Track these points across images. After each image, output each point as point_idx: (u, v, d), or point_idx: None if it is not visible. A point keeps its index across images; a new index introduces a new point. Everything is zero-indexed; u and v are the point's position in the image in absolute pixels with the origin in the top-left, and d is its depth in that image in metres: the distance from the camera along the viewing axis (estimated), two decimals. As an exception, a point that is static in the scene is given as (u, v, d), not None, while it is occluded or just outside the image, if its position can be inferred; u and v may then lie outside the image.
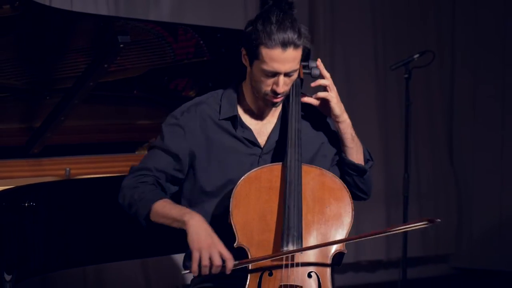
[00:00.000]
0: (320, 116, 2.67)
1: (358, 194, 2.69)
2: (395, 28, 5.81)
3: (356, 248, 5.61)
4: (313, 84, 2.61)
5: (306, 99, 2.61)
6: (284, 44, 2.44)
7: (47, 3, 4.38)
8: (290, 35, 2.44)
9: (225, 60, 3.87)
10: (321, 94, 2.60)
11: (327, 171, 2.56)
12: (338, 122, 2.61)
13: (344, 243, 2.46)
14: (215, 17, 5.01)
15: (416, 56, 4.60)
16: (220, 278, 2.57)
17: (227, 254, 2.38)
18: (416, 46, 5.51)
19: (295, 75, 2.53)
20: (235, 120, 2.60)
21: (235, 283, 2.47)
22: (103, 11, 4.66)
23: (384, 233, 2.47)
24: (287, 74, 2.49)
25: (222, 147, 2.59)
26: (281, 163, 2.52)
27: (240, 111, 2.62)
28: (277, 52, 2.44)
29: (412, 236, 5.15)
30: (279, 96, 2.52)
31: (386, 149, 5.75)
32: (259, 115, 2.63)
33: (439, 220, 2.36)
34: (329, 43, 5.55)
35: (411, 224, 2.41)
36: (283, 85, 2.49)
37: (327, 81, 2.60)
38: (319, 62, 2.62)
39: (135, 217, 2.57)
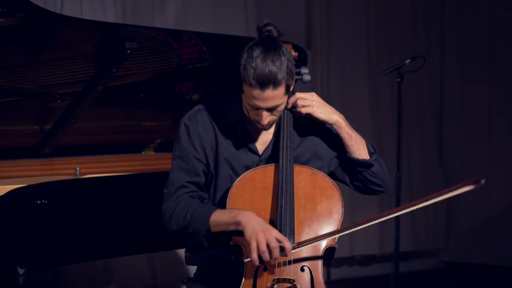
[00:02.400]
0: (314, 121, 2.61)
1: (373, 188, 2.65)
2: (388, 34, 5.81)
3: (351, 243, 5.61)
4: (288, 107, 2.54)
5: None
6: (262, 85, 2.36)
7: (58, 11, 4.38)
8: (269, 74, 2.35)
9: (227, 65, 3.87)
10: (302, 110, 2.53)
11: (318, 171, 2.55)
12: (329, 125, 2.58)
13: (335, 239, 2.46)
14: (217, 24, 5.01)
15: (407, 61, 4.59)
16: (220, 271, 2.58)
17: (281, 236, 2.36)
18: (407, 51, 5.50)
19: (281, 107, 2.46)
20: (238, 126, 2.58)
21: (233, 276, 2.48)
22: (111, 18, 4.66)
23: (422, 202, 2.45)
24: (270, 109, 2.44)
25: (225, 149, 2.58)
26: (274, 164, 2.52)
27: (243, 118, 2.59)
28: (256, 92, 2.38)
29: (404, 231, 5.14)
30: (265, 125, 2.48)
31: (379, 149, 5.68)
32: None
33: (483, 180, 2.30)
34: (325, 49, 5.55)
35: (456, 188, 2.36)
36: (266, 117, 2.45)
37: (299, 100, 2.53)
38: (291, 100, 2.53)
39: (193, 236, 2.50)
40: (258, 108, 2.42)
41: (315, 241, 2.41)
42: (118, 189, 3.46)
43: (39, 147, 3.68)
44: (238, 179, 2.48)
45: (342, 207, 2.50)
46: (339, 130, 2.57)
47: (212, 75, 3.91)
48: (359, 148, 2.60)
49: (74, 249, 3.25)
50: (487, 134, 5.95)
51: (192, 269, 2.73)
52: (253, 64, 2.36)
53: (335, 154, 2.64)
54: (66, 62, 3.56)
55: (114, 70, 3.50)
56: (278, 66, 2.37)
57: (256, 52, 2.37)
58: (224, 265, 2.58)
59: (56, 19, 3.38)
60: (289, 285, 2.39)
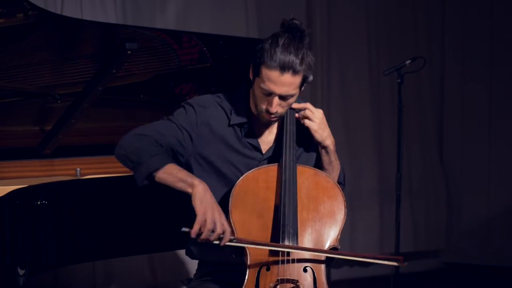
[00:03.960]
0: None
1: None
2: (388, 36, 5.81)
3: (351, 244, 5.60)
4: (296, 115, 2.56)
5: (296, 105, 2.56)
6: (283, 68, 2.40)
7: (58, 12, 4.38)
8: (291, 60, 2.40)
9: (227, 66, 3.86)
10: (302, 120, 2.55)
11: (321, 171, 2.56)
12: (320, 146, 2.58)
13: (338, 239, 2.47)
14: (217, 25, 5.01)
15: (408, 62, 4.60)
16: (221, 272, 2.57)
17: (227, 226, 2.37)
18: (408, 52, 5.50)
19: (292, 100, 2.48)
20: (244, 126, 2.58)
21: (236, 276, 2.48)
22: (111, 19, 4.65)
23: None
24: (282, 97, 2.45)
25: (228, 147, 2.58)
26: (277, 164, 2.52)
27: (248, 118, 2.59)
28: (275, 74, 2.41)
29: (404, 232, 5.14)
30: (272, 115, 2.49)
31: (379, 150, 5.74)
32: (264, 124, 2.61)
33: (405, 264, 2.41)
34: (326, 50, 5.54)
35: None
36: (277, 105, 2.46)
37: (307, 111, 2.54)
38: (298, 105, 2.54)
39: (136, 167, 2.45)
40: (271, 94, 2.44)
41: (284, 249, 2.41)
42: (119, 190, 3.46)
43: (39, 147, 3.68)
44: (241, 178, 2.48)
45: (345, 208, 2.51)
46: (324, 154, 2.59)
47: (213, 75, 3.91)
48: (331, 175, 2.61)
49: (75, 249, 3.25)
50: (487, 135, 5.96)
51: (192, 269, 2.72)
52: (278, 48, 2.40)
53: (313, 163, 2.65)
54: (66, 62, 3.55)
55: (114, 71, 3.49)
56: (301, 56, 2.41)
57: (282, 38, 2.42)
58: (225, 266, 2.58)
59: (56, 20, 3.38)
60: (292, 285, 2.40)
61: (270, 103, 2.46)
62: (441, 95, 6.15)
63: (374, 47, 5.74)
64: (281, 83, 2.42)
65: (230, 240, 2.37)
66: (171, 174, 2.42)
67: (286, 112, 2.55)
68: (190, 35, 3.79)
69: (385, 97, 5.74)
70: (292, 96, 2.47)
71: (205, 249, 2.59)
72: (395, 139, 4.70)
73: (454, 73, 6.09)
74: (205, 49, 3.79)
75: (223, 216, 2.37)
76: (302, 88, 2.51)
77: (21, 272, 2.91)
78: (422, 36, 5.96)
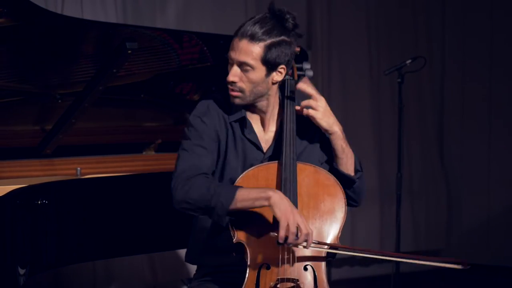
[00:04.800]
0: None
1: (348, 201, 2.62)
2: (389, 35, 5.80)
3: (351, 243, 5.59)
4: (301, 105, 2.54)
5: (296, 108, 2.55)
6: (242, 34, 2.43)
7: (59, 12, 4.38)
8: (253, 28, 2.42)
9: (228, 66, 3.86)
10: (305, 111, 2.53)
11: (321, 169, 2.54)
12: (328, 134, 2.56)
13: (338, 237, 2.46)
14: (218, 25, 5.01)
15: (408, 61, 4.59)
16: (221, 272, 2.57)
17: (310, 229, 2.36)
18: (408, 52, 5.50)
19: (253, 75, 2.46)
20: (243, 122, 2.57)
21: (235, 277, 2.47)
22: (112, 19, 4.65)
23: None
24: (240, 65, 2.45)
25: (231, 146, 2.56)
26: (277, 161, 2.51)
27: (248, 115, 2.58)
28: (235, 40, 2.45)
29: (404, 231, 5.14)
30: (231, 87, 2.48)
31: (380, 150, 5.74)
32: (263, 122, 2.60)
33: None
34: (326, 50, 5.54)
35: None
36: (233, 74, 2.46)
37: (311, 101, 2.52)
38: (300, 85, 2.53)
39: (210, 212, 2.40)
40: (232, 64, 2.45)
41: (331, 248, 2.42)
42: (119, 189, 3.46)
43: (40, 147, 3.68)
44: (241, 176, 2.47)
45: (345, 205, 2.50)
46: (335, 142, 2.56)
47: (213, 75, 3.91)
48: (347, 163, 2.59)
49: (75, 249, 3.24)
50: (487, 135, 5.95)
51: (193, 269, 2.72)
52: (248, 21, 2.45)
53: (326, 158, 2.63)
54: (67, 62, 3.55)
55: (114, 71, 3.49)
56: (266, 31, 2.42)
57: (258, 15, 2.46)
58: (225, 266, 2.58)
59: (57, 20, 3.38)
60: (292, 284, 2.39)
61: (229, 71, 2.48)
62: (441, 95, 6.15)
63: (374, 46, 5.73)
64: (237, 48, 2.44)
65: (314, 243, 2.37)
66: (245, 200, 2.38)
67: (286, 109, 2.54)
68: (190, 34, 3.79)
69: (385, 97, 5.74)
70: (249, 66, 2.45)
71: (204, 254, 2.59)
72: (395, 139, 4.69)
73: (454, 73, 6.08)
74: (205, 48, 3.79)
75: (304, 219, 2.36)
76: (272, 73, 2.48)
77: (21, 271, 2.91)
78: (422, 36, 5.95)
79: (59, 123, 3.62)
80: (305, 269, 2.43)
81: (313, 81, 4.40)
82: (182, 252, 4.66)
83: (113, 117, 3.95)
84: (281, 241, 2.33)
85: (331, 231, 2.47)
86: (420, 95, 5.95)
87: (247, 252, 2.41)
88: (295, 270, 2.40)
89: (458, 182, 6.08)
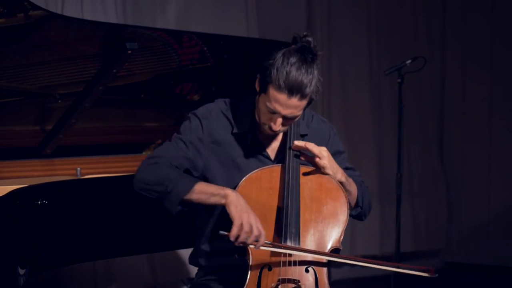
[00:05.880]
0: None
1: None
2: (389, 35, 5.80)
3: (351, 244, 5.60)
4: (302, 158, 2.53)
5: (297, 143, 2.52)
6: (291, 92, 2.38)
7: (59, 11, 4.37)
8: (300, 84, 2.37)
9: (228, 66, 3.86)
10: (313, 160, 2.51)
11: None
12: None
13: (340, 241, 2.47)
14: (218, 25, 5.01)
15: (408, 61, 4.59)
16: (223, 271, 2.57)
17: (263, 230, 2.37)
18: (408, 52, 5.50)
19: (296, 119, 2.49)
20: (247, 136, 2.57)
21: (238, 275, 2.47)
22: (112, 19, 4.65)
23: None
24: (285, 118, 2.44)
25: (234, 156, 2.57)
26: (280, 164, 2.52)
27: (253, 126, 2.58)
28: (282, 97, 2.39)
29: (404, 232, 5.13)
30: (274, 132, 2.49)
31: (380, 150, 5.74)
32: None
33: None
34: (326, 50, 5.54)
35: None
36: (280, 124, 2.45)
37: (314, 149, 2.50)
38: (299, 143, 2.50)
39: (164, 196, 2.44)
40: (275, 113, 2.42)
41: (302, 252, 2.41)
42: (119, 189, 3.45)
43: (40, 147, 3.68)
44: (244, 178, 2.48)
45: (348, 209, 2.51)
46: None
47: (213, 75, 3.91)
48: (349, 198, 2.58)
49: (75, 249, 3.24)
50: (487, 135, 5.95)
51: (193, 269, 2.72)
52: (288, 69, 2.37)
53: None
54: (67, 62, 3.55)
55: (115, 71, 3.49)
56: (310, 79, 2.40)
57: (294, 58, 2.39)
58: (227, 265, 2.58)
59: (57, 20, 3.38)
60: (293, 285, 2.40)
61: (274, 121, 2.45)
62: (441, 94, 6.15)
63: (374, 47, 5.74)
64: (288, 105, 2.40)
65: (265, 244, 2.38)
66: (202, 193, 2.42)
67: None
68: (190, 34, 3.78)
69: (386, 97, 5.74)
70: (296, 117, 2.46)
71: (209, 257, 2.60)
72: (395, 139, 4.69)
73: (454, 73, 6.09)
74: (205, 48, 3.78)
75: (258, 220, 2.37)
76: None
77: (21, 271, 2.90)
78: (422, 36, 5.96)
79: (59, 123, 3.62)
80: (307, 270, 2.43)
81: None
82: (182, 252, 4.68)
83: (113, 117, 3.95)
84: (232, 239, 2.35)
85: (333, 234, 2.47)
86: (420, 95, 5.95)
87: (249, 254, 2.41)
88: (296, 271, 2.41)
89: (458, 182, 6.08)
